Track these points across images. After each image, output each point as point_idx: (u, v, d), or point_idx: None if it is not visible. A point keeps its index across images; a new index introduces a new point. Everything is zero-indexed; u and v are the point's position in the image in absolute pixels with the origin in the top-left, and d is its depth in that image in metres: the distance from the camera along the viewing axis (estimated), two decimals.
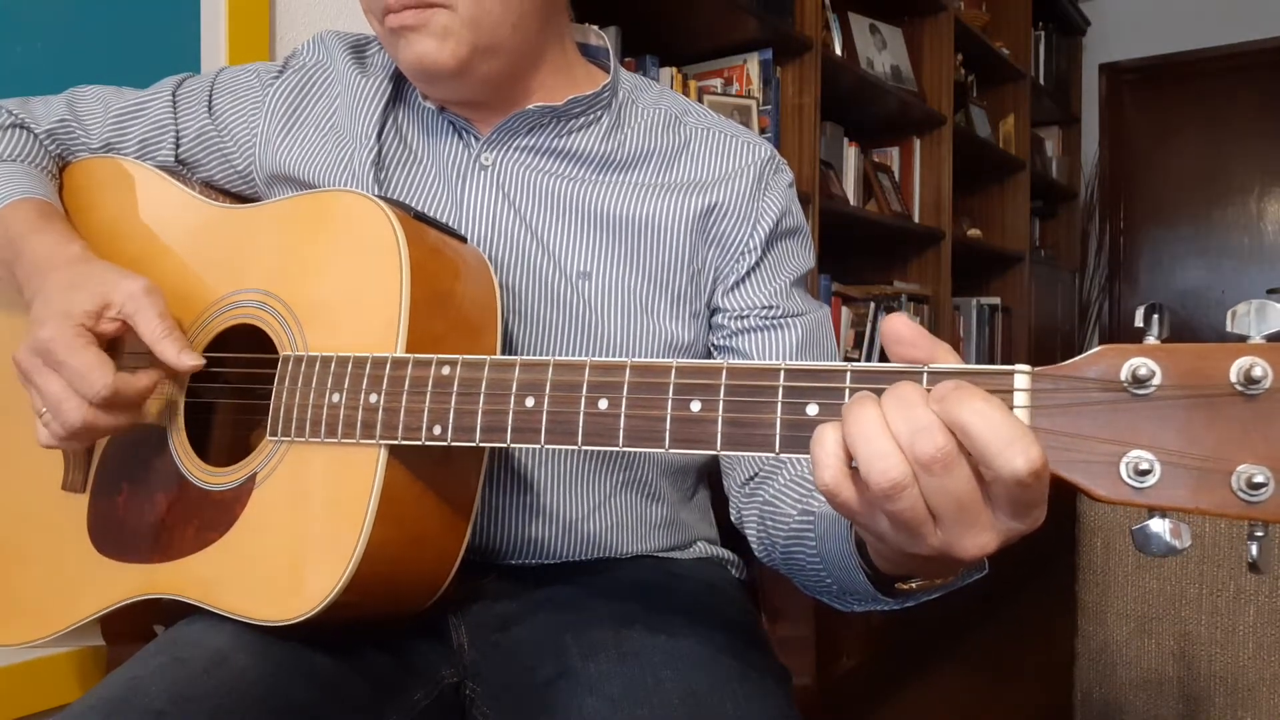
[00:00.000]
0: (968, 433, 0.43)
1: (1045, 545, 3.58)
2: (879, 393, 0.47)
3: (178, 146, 0.92)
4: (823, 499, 0.71)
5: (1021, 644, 2.85)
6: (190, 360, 0.71)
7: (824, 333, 0.89)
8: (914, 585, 0.60)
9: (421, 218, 0.73)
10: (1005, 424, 0.43)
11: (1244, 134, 4.11)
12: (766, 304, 0.86)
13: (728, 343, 0.87)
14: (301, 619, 0.64)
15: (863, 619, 2.33)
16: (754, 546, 0.84)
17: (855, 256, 3.05)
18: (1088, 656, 1.47)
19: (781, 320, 0.86)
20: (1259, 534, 0.45)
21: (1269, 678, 1.32)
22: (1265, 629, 1.32)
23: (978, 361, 3.39)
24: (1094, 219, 4.44)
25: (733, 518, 0.87)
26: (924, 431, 0.44)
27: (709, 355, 0.89)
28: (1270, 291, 4.02)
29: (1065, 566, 1.65)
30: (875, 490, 0.45)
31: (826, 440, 0.47)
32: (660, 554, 0.89)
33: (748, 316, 0.86)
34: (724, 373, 0.53)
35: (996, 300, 3.53)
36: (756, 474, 0.83)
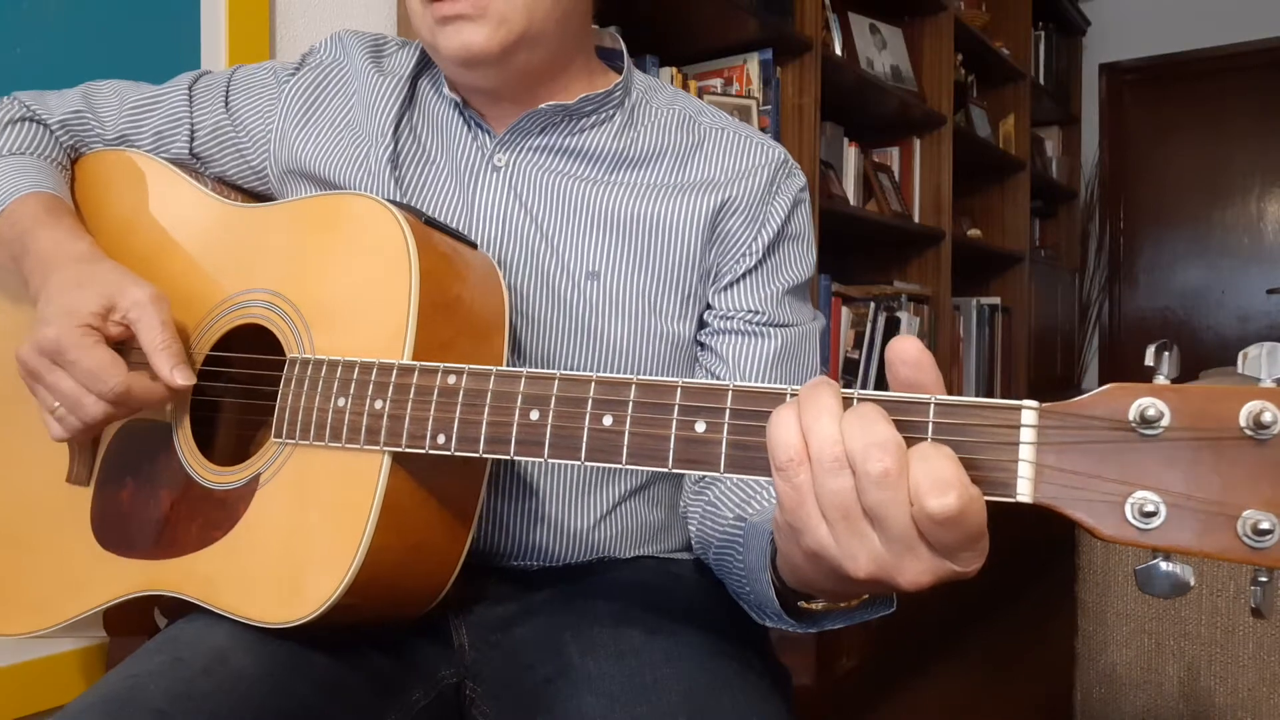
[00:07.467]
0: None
1: (1045, 545, 3.58)
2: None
3: (192, 140, 0.92)
4: (758, 509, 0.75)
5: (1021, 644, 2.85)
6: (182, 378, 0.71)
7: (806, 347, 0.88)
8: (819, 606, 0.61)
9: (433, 223, 0.73)
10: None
11: (1244, 134, 4.10)
12: (754, 309, 0.85)
13: (707, 340, 0.86)
14: (299, 623, 0.64)
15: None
16: (692, 541, 0.85)
17: (855, 256, 3.05)
18: (1087, 656, 1.47)
19: (765, 328, 0.85)
20: (1262, 579, 0.45)
21: (1269, 678, 1.32)
22: (1265, 629, 1.32)
23: (978, 362, 3.37)
24: (1094, 219, 4.43)
25: (680, 508, 0.87)
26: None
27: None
28: (1270, 291, 4.02)
29: (1065, 566, 1.65)
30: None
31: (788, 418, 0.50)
32: (660, 555, 0.90)
33: (732, 318, 0.85)
34: (730, 395, 0.53)
35: (996, 300, 3.53)
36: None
